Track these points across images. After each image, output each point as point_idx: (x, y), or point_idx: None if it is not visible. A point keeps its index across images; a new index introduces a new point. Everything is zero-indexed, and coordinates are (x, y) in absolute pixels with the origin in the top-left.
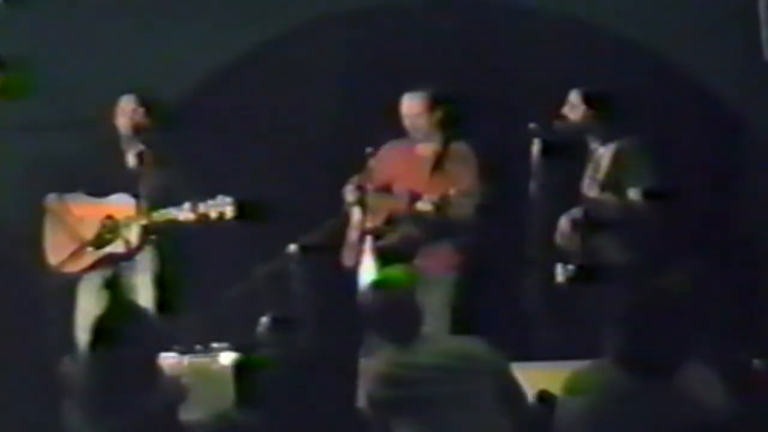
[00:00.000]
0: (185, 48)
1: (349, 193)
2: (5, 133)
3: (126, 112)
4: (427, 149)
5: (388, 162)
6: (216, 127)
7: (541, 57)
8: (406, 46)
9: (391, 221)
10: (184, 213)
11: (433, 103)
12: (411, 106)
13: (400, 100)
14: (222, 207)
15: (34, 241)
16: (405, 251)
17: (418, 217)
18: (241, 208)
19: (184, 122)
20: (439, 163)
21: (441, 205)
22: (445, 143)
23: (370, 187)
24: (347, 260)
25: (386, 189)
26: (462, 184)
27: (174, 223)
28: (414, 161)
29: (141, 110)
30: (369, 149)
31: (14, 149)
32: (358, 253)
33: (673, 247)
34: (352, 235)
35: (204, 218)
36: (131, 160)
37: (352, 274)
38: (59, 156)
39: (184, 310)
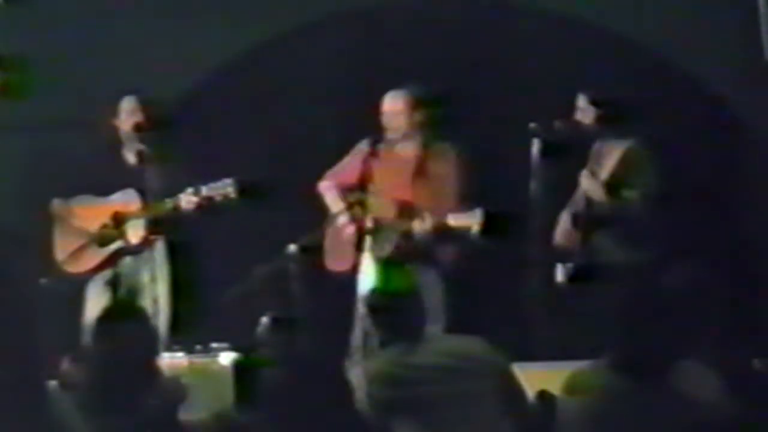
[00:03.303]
0: (184, 48)
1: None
2: (5, 133)
3: (127, 112)
4: (407, 151)
5: (364, 161)
6: (217, 124)
7: (542, 58)
8: (408, 45)
9: (371, 232)
10: (187, 198)
11: (415, 103)
12: (393, 104)
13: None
14: (224, 188)
15: (34, 241)
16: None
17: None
18: (243, 188)
19: (184, 120)
20: (421, 167)
21: (437, 227)
22: (426, 145)
23: (340, 185)
24: (338, 264)
25: (359, 188)
26: (446, 190)
27: (179, 213)
28: (394, 163)
29: (141, 110)
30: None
31: (14, 149)
32: (352, 254)
33: (673, 247)
34: (341, 237)
35: (208, 202)
36: (131, 158)
37: (346, 277)
38: (60, 156)
39: (198, 307)
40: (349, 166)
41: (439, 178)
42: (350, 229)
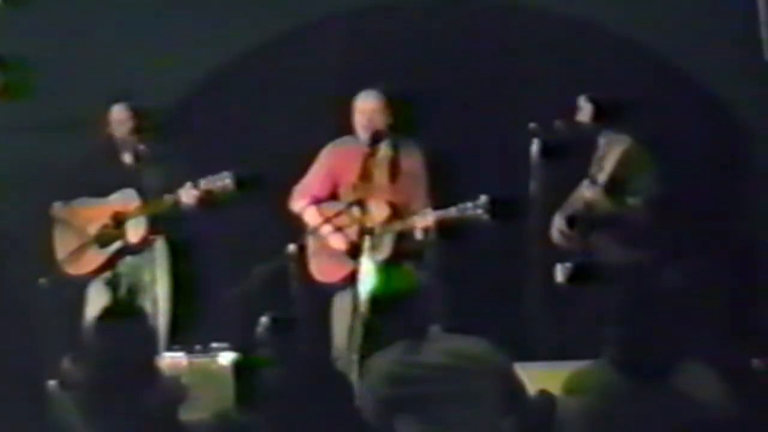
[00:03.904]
0: (183, 48)
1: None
2: (5, 133)
3: (117, 121)
4: (381, 152)
5: (335, 163)
6: (215, 124)
7: (542, 58)
8: (407, 45)
9: (371, 232)
10: (186, 192)
11: (390, 101)
12: (367, 102)
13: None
14: (222, 181)
15: (34, 241)
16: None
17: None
18: (241, 181)
19: (183, 120)
20: (395, 166)
21: (440, 221)
22: (395, 145)
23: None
24: (327, 275)
25: (333, 191)
26: (418, 189)
27: (179, 208)
28: (368, 165)
29: (131, 117)
30: None
31: (14, 149)
32: (343, 263)
33: (673, 247)
34: (327, 249)
35: (207, 195)
36: (129, 158)
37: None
38: (59, 156)
39: (198, 307)
40: (315, 179)
41: (411, 177)
42: (337, 239)
